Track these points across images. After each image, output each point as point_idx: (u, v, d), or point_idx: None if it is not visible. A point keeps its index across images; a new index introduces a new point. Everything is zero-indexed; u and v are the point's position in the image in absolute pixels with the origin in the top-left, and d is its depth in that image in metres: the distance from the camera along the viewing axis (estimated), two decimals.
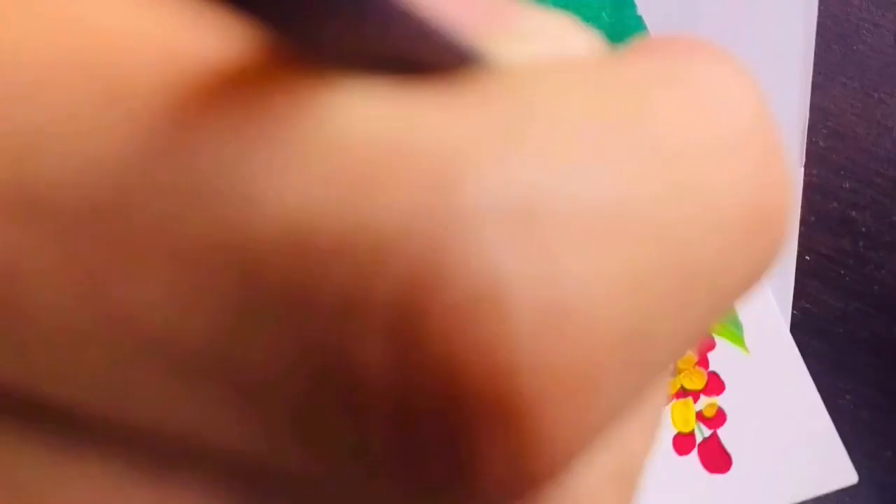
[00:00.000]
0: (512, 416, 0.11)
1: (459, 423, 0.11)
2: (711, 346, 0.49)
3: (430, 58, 0.11)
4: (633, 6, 0.47)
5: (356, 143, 0.10)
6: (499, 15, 0.14)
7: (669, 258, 0.11)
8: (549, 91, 0.11)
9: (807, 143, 0.48)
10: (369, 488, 0.12)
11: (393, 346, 0.10)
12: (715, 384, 0.49)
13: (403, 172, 0.10)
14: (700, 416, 0.49)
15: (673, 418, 0.49)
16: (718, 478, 0.49)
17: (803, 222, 0.49)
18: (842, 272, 0.50)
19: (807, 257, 0.50)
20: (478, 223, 0.10)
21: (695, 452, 0.49)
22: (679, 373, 0.49)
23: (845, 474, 0.49)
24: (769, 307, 0.48)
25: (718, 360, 0.49)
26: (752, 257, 0.13)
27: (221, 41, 0.11)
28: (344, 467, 0.12)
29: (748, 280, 0.13)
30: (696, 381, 0.49)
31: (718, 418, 0.49)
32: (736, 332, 0.49)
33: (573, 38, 0.15)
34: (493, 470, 0.11)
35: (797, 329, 0.49)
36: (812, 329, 0.50)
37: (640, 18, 0.47)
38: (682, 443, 0.49)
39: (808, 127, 0.48)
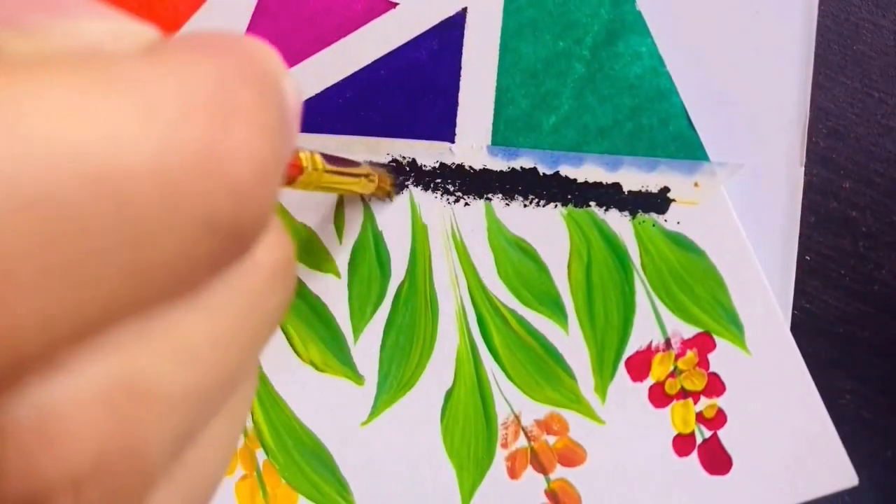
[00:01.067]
0: None
1: None
2: (712, 346, 0.48)
3: None
4: (633, 1, 0.46)
5: None
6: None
7: (15, 193, 0.13)
8: None
9: (807, 143, 0.47)
10: None
11: None
12: (715, 385, 0.49)
13: None
14: (700, 418, 0.49)
15: (673, 419, 0.49)
16: (719, 479, 0.49)
17: (803, 222, 0.48)
18: (842, 272, 0.50)
19: (807, 257, 0.49)
20: None
21: (695, 454, 0.49)
22: (679, 374, 0.48)
23: (846, 477, 0.48)
24: (770, 308, 0.47)
25: (719, 361, 0.48)
26: (179, 209, 0.15)
27: None
28: None
29: (190, 229, 0.16)
30: (696, 383, 0.49)
31: (719, 419, 0.49)
32: (737, 333, 0.48)
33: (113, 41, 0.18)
34: None
35: (797, 329, 0.48)
36: (812, 329, 0.50)
37: (639, 14, 0.46)
38: (682, 444, 0.49)
39: (808, 126, 0.47)
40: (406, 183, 0.48)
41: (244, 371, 0.21)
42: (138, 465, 0.17)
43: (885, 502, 0.50)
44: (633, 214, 0.48)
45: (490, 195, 0.48)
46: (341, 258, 0.49)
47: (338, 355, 0.49)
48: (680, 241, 0.47)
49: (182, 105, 0.15)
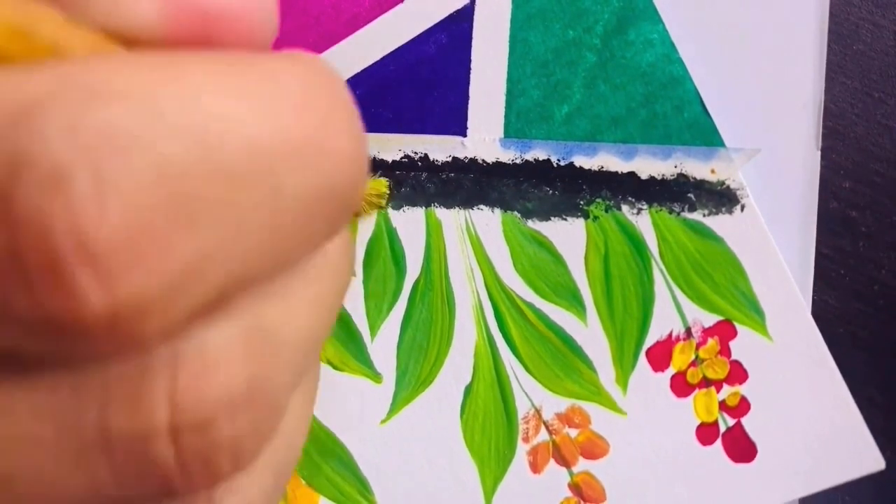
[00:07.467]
0: (81, 258, 0.14)
1: (50, 268, 0.14)
2: (733, 334, 0.45)
3: None
4: None
5: None
6: None
7: (204, 160, 0.15)
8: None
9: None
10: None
11: (3, 221, 0.14)
12: (738, 373, 0.46)
13: None
14: (723, 406, 0.46)
15: (695, 409, 0.46)
16: (744, 467, 0.46)
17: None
18: (842, 272, 0.47)
19: None
20: (39, 134, 0.14)
21: (719, 443, 0.46)
22: (701, 363, 0.46)
23: (872, 460, 0.45)
24: (791, 293, 0.45)
25: (741, 348, 0.45)
26: (310, 176, 0.17)
27: None
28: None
29: (316, 194, 0.18)
30: (718, 371, 0.46)
31: (742, 407, 0.46)
32: (758, 320, 0.45)
33: None
34: (86, 301, 0.15)
35: None
36: None
37: (649, 0, 0.43)
38: (706, 433, 0.46)
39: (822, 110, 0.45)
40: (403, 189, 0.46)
41: (324, 339, 0.23)
42: (272, 400, 0.19)
43: (885, 502, 0.48)
44: (650, 203, 0.45)
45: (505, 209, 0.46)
46: (355, 256, 0.46)
47: (355, 354, 0.46)
48: (698, 229, 0.45)
49: (305, 92, 0.17)
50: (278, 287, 0.19)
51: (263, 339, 0.19)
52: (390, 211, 0.45)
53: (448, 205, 0.45)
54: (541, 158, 0.44)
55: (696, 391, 0.45)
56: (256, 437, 0.19)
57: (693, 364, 0.45)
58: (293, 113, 0.17)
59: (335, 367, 0.46)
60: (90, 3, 0.17)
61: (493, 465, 0.46)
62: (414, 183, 0.45)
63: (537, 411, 0.46)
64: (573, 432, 0.46)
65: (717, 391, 0.45)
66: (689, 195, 0.44)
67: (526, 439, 0.46)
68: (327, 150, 0.18)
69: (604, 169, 0.44)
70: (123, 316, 0.15)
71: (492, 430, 0.46)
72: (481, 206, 0.45)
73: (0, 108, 0.14)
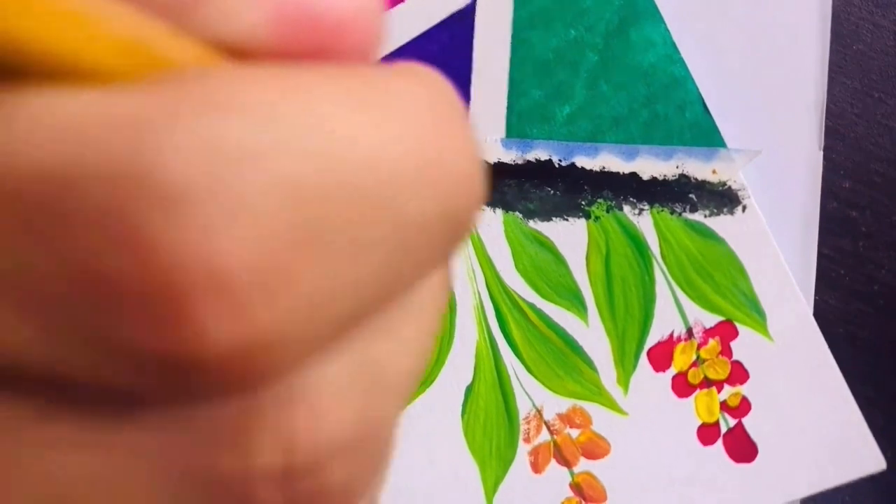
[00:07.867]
0: (210, 289, 0.13)
1: (176, 298, 0.13)
2: (734, 334, 0.45)
3: None
4: None
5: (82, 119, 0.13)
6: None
7: (332, 181, 0.14)
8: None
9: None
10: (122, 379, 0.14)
11: (125, 245, 0.13)
12: (739, 373, 0.46)
13: (108, 131, 0.13)
14: (724, 406, 0.46)
15: (697, 409, 0.46)
16: (744, 467, 0.46)
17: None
18: (842, 272, 0.47)
19: None
20: (162, 152, 0.13)
21: (720, 443, 0.46)
22: (702, 363, 0.46)
23: (873, 460, 0.45)
24: (792, 293, 0.45)
25: (742, 348, 0.45)
26: (432, 199, 0.16)
27: None
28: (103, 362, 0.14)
29: (436, 218, 0.16)
30: (719, 371, 0.46)
31: (743, 407, 0.46)
32: (759, 320, 0.45)
33: None
34: (207, 336, 0.13)
35: None
36: None
37: (651, 0, 0.43)
38: (707, 433, 0.46)
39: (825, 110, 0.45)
40: None
41: (425, 369, 0.21)
42: (383, 439, 0.18)
43: (885, 502, 0.48)
44: (651, 204, 0.45)
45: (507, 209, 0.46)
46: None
47: None
48: (699, 230, 0.45)
49: (429, 108, 0.16)
50: (386, 319, 0.18)
51: (375, 375, 0.17)
52: None
53: None
54: (542, 159, 0.44)
55: (698, 391, 0.45)
56: (367, 478, 0.18)
57: (694, 364, 0.45)
58: (419, 131, 0.16)
59: None
60: (197, 13, 0.16)
61: (495, 465, 0.46)
62: None
63: (538, 411, 0.46)
64: (574, 432, 0.46)
65: (719, 391, 0.45)
66: (691, 196, 0.44)
67: (527, 439, 0.46)
68: (449, 171, 0.16)
69: (605, 169, 0.44)
70: (250, 354, 0.14)
71: (493, 431, 0.46)
72: (483, 207, 0.44)
73: (116, 127, 0.13)
